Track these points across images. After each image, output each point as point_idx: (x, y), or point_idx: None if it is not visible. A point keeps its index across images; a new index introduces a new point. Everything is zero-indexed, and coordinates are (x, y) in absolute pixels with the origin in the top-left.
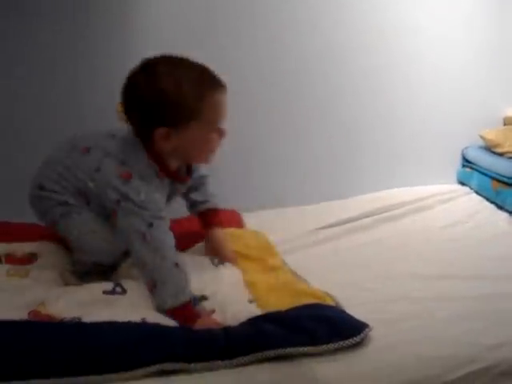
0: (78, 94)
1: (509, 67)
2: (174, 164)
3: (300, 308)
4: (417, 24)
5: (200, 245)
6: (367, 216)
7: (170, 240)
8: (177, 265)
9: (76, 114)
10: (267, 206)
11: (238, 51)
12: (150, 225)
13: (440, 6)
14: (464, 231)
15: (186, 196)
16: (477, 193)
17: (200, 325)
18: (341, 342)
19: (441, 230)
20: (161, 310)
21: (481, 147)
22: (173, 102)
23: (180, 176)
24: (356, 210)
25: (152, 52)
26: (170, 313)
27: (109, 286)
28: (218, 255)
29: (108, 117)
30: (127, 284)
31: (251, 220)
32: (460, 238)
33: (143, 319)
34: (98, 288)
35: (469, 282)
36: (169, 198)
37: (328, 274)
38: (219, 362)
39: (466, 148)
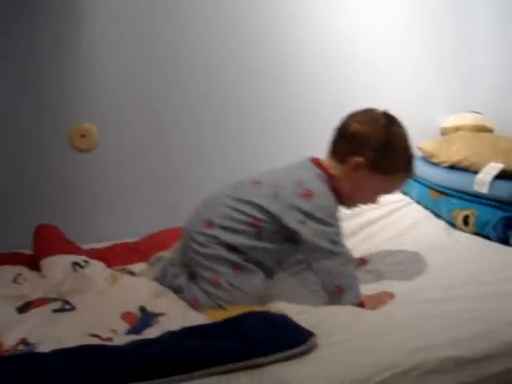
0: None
1: (446, 80)
2: (343, 190)
3: (250, 316)
4: (356, 39)
5: None
6: None
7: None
8: (354, 271)
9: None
10: None
11: None
12: (334, 242)
13: (378, 20)
14: (408, 242)
15: None
16: (417, 202)
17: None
18: (289, 351)
19: (390, 241)
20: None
21: (420, 158)
22: (390, 153)
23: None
24: None
25: None
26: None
27: (58, 304)
28: None
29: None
30: (75, 300)
31: None
32: (403, 247)
33: (93, 335)
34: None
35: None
36: None
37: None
38: (175, 377)
39: None
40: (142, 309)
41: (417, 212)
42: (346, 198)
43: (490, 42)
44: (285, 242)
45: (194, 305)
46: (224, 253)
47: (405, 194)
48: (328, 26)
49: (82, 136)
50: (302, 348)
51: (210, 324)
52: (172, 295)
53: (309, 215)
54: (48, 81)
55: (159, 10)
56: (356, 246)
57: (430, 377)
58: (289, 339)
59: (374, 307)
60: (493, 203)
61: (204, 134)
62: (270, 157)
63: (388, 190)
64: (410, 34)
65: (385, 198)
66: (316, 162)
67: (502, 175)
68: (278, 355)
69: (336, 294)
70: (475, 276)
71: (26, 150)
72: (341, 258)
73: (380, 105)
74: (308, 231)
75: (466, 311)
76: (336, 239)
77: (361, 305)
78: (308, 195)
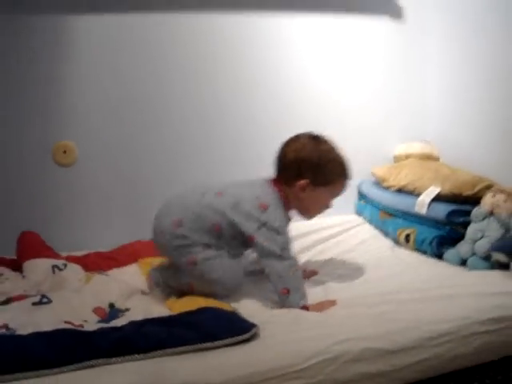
0: None
1: (398, 113)
2: (291, 208)
3: (201, 310)
4: (313, 68)
5: None
6: None
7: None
8: (301, 275)
9: None
10: None
11: None
12: (283, 248)
13: (335, 51)
14: (356, 257)
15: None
16: (369, 222)
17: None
18: (233, 338)
19: (340, 255)
20: (291, 307)
21: (373, 182)
22: (324, 168)
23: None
24: None
25: None
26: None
27: (37, 298)
28: None
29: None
30: (53, 295)
31: None
32: (351, 262)
33: (67, 322)
34: (28, 301)
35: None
36: None
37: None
38: (136, 356)
39: (361, 183)
40: (111, 305)
41: (367, 231)
42: (303, 213)
43: (440, 79)
44: (241, 246)
45: (191, 289)
46: (193, 242)
47: (358, 214)
48: (283, 56)
49: (64, 152)
50: (245, 336)
51: (167, 316)
52: (140, 295)
53: (263, 224)
54: (37, 106)
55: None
56: (310, 259)
57: (352, 364)
58: (234, 328)
59: (317, 311)
60: (430, 223)
61: (172, 151)
62: (229, 170)
63: (335, 196)
64: (366, 68)
65: (339, 219)
66: (272, 183)
67: (439, 198)
68: (224, 341)
69: (284, 295)
70: (408, 285)
71: (13, 163)
72: (289, 262)
73: (342, 133)
74: (262, 237)
75: (391, 312)
76: (285, 246)
77: (306, 308)
78: (264, 208)
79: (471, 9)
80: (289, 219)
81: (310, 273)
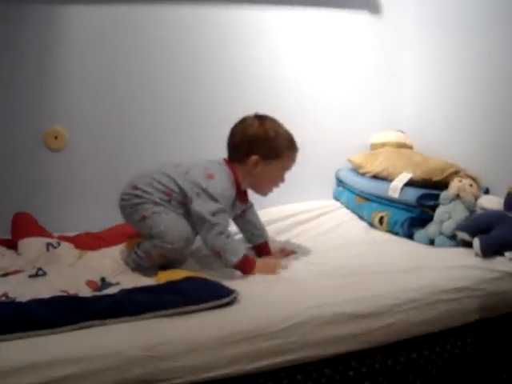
0: None
1: (376, 102)
2: (244, 186)
3: (186, 279)
4: (298, 58)
5: None
6: None
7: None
8: (228, 236)
9: None
10: None
11: None
12: (214, 214)
13: (312, 42)
14: (332, 238)
15: (243, 229)
16: (346, 207)
17: (260, 267)
18: (215, 302)
19: (317, 237)
20: (229, 266)
21: (350, 169)
22: (272, 142)
23: (243, 197)
24: None
25: None
26: (237, 266)
27: (33, 271)
28: None
29: None
30: (48, 268)
31: None
32: (328, 242)
33: (62, 291)
34: (24, 274)
35: (326, 270)
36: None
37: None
38: (128, 318)
39: (339, 170)
40: (103, 279)
41: (344, 215)
42: (258, 189)
43: (414, 72)
44: (187, 215)
45: (149, 258)
46: (146, 200)
47: (336, 200)
48: (263, 47)
49: (55, 137)
50: (226, 300)
51: (155, 285)
52: (130, 272)
53: (203, 190)
54: (28, 94)
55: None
56: (289, 239)
57: (324, 327)
58: (216, 293)
59: (263, 271)
60: (402, 206)
61: (158, 135)
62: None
63: (286, 169)
64: (343, 61)
65: (318, 203)
66: (227, 162)
67: (411, 183)
68: (206, 304)
69: (218, 256)
70: (379, 260)
71: (6, 149)
72: (218, 228)
73: (315, 122)
74: (197, 202)
75: (362, 282)
76: (217, 212)
77: (245, 265)
78: (209, 177)
79: (447, 4)
80: (234, 196)
81: (288, 252)
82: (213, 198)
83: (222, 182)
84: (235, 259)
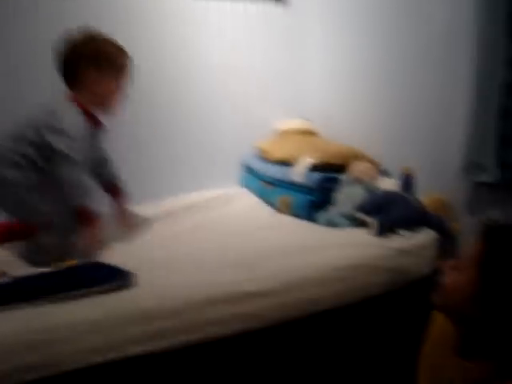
0: None
1: (282, 91)
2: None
3: (85, 264)
4: (207, 50)
5: None
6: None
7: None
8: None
9: None
10: None
11: None
12: (72, 148)
13: (229, 30)
14: (238, 223)
15: (98, 175)
16: (253, 193)
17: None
18: (111, 284)
19: (223, 222)
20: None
21: (256, 156)
22: (101, 52)
23: (96, 119)
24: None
25: None
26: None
27: None
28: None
29: None
30: None
31: None
32: (234, 227)
33: None
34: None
35: (228, 252)
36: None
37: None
38: (23, 304)
39: (246, 156)
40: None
41: (251, 200)
42: (103, 104)
43: (320, 61)
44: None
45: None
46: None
47: (243, 186)
48: (188, 35)
49: None
50: (122, 282)
51: (53, 271)
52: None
53: (53, 128)
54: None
55: None
56: (195, 224)
57: (222, 306)
58: (112, 275)
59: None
60: (305, 190)
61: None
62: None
63: (123, 77)
64: (253, 49)
65: (224, 191)
66: (66, 96)
67: (314, 168)
68: (103, 287)
69: (70, 197)
70: (281, 242)
71: None
72: (76, 167)
73: (224, 108)
74: (55, 138)
75: (262, 262)
76: (73, 146)
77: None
78: (54, 115)
79: None
80: (83, 123)
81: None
82: (62, 133)
83: (69, 116)
84: (75, 203)
